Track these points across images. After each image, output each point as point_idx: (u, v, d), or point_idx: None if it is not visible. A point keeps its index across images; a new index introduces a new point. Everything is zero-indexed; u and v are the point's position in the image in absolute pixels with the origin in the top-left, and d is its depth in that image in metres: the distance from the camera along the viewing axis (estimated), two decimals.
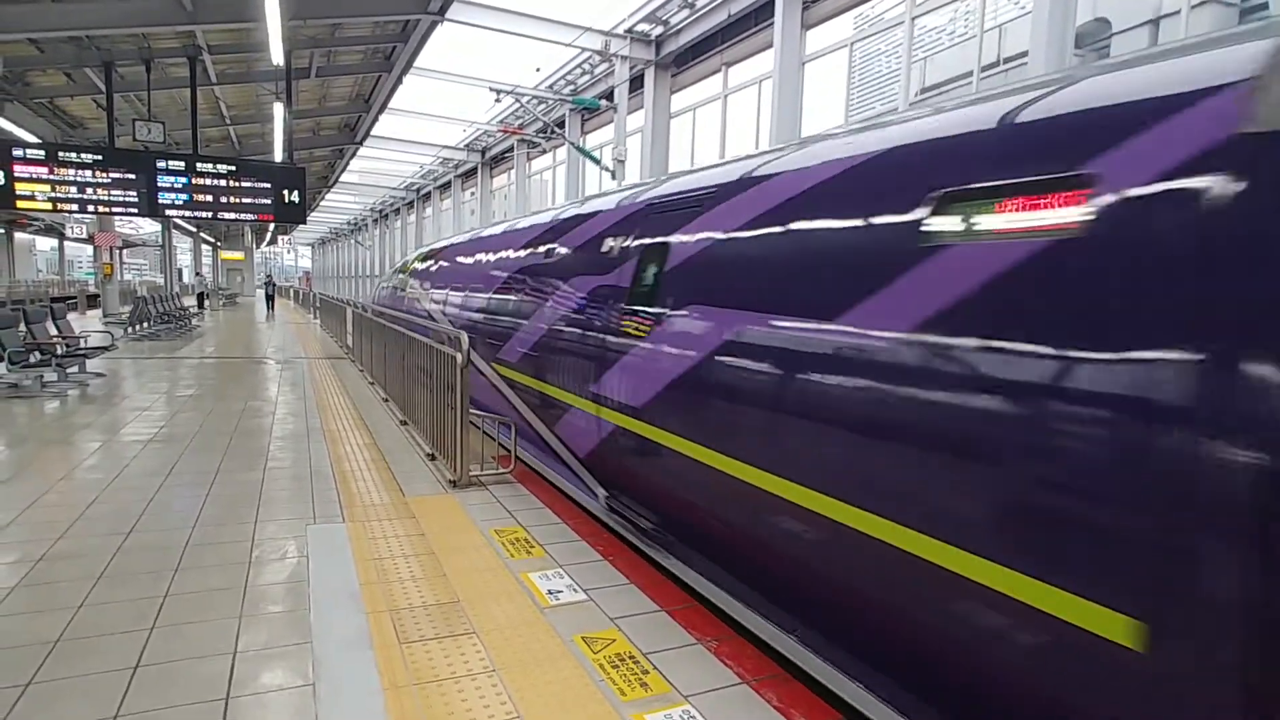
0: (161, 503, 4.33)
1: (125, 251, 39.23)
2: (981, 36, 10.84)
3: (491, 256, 8.06)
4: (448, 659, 2.61)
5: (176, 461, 5.30)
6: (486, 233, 9.43)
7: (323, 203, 38.71)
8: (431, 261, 11.46)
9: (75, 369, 9.26)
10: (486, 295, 7.67)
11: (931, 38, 12.46)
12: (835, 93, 13.58)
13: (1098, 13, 10.36)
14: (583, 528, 4.20)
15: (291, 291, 45.61)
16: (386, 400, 8.26)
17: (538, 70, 18.32)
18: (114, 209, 11.82)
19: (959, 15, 12.16)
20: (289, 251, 78.56)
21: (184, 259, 52.43)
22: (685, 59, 15.28)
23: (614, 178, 15.83)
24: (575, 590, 3.30)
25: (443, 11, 10.84)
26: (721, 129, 14.49)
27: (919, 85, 13.48)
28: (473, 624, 2.90)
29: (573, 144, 16.98)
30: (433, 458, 5.66)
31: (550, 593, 3.26)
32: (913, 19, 10.75)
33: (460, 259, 9.71)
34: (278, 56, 10.45)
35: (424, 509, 4.41)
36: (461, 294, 8.80)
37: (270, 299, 31.76)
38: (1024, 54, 10.89)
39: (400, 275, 13.89)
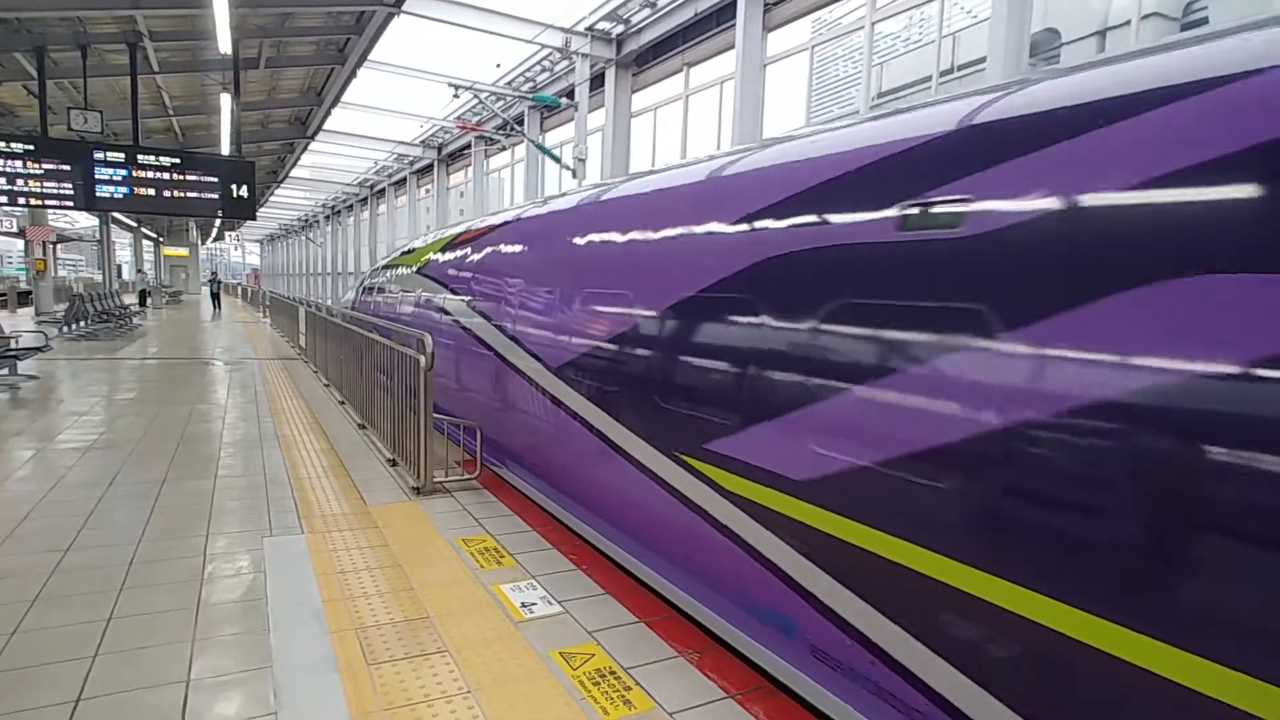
0: (103, 516, 4.07)
1: (60, 247, 37.38)
2: (940, 43, 11.04)
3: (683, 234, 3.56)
4: (419, 680, 2.49)
5: (119, 471, 5.00)
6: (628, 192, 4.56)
7: (272, 198, 37.55)
8: (466, 251, 6.93)
9: (6, 371, 8.73)
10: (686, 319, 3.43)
11: (886, 44, 12.66)
12: (796, 95, 13.72)
13: (1048, 23, 10.66)
14: (553, 535, 4.09)
15: (239, 289, 44.17)
16: (343, 403, 7.99)
17: (498, 66, 18.02)
18: (47, 202, 11.20)
19: (913, 22, 12.39)
20: (237, 248, 76.07)
21: (123, 255, 50.23)
22: (646, 58, 15.22)
23: (575, 176, 15.69)
24: (550, 602, 3.19)
25: (399, 4, 10.56)
26: (683, 129, 14.48)
27: (876, 90, 13.73)
28: (444, 641, 2.78)
29: (533, 142, 16.79)
30: (394, 463, 5.47)
31: (524, 605, 3.15)
32: (872, 24, 10.88)
33: (564, 241, 4.97)
34: (225, 45, 10.03)
35: (387, 518, 4.24)
36: (589, 308, 4.33)
37: (216, 297, 30.34)
38: (976, 61, 11.16)
39: (392, 273, 10.22)
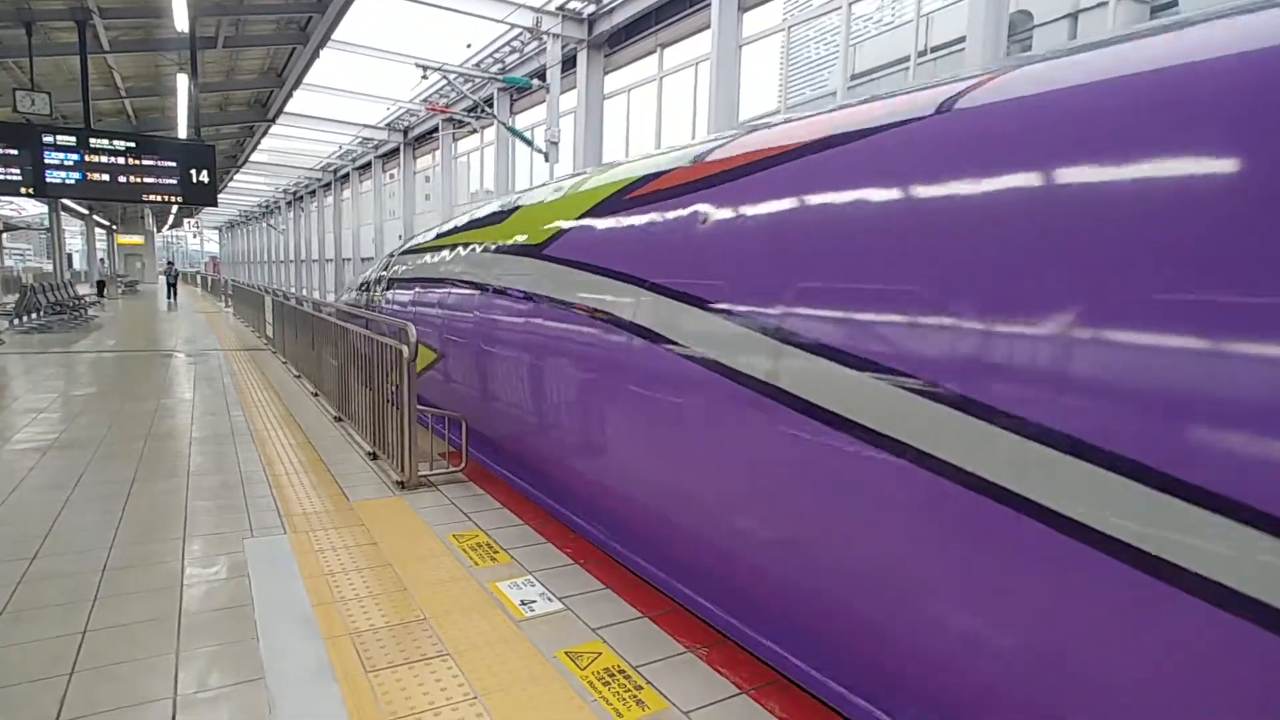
0: (69, 522, 3.86)
1: (5, 235, 35.84)
2: (918, 24, 11.01)
3: None
4: (423, 687, 2.38)
5: (83, 472, 4.77)
6: None
7: (232, 184, 36.48)
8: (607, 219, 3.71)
9: None
10: None
11: (859, 26, 12.59)
12: (769, 77, 13.62)
13: (1021, 5, 10.69)
14: (546, 529, 3.99)
15: (199, 278, 42.93)
16: (316, 395, 7.76)
17: (469, 46, 17.61)
18: None
19: (886, 4, 12.35)
20: (195, 235, 73.90)
21: (75, 243, 48.43)
22: (619, 39, 14.99)
23: (547, 160, 15.44)
24: (550, 599, 3.10)
25: None
26: (657, 111, 14.31)
27: (850, 72, 13.68)
28: (445, 644, 2.67)
29: (505, 125, 16.47)
30: (374, 457, 5.31)
31: (524, 603, 3.05)
32: (850, 3, 10.82)
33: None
34: (181, 23, 9.60)
35: (372, 514, 4.10)
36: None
37: (172, 286, 28.29)
38: (950, 43, 11.16)
39: (443, 258, 6.22)
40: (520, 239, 4.52)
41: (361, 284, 9.47)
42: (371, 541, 3.67)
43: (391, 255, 8.68)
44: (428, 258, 6.65)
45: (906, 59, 11.76)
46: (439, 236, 6.75)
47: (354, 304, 9.11)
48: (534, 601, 3.08)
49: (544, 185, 5.39)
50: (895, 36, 12.81)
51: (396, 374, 4.76)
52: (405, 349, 4.49)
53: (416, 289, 6.76)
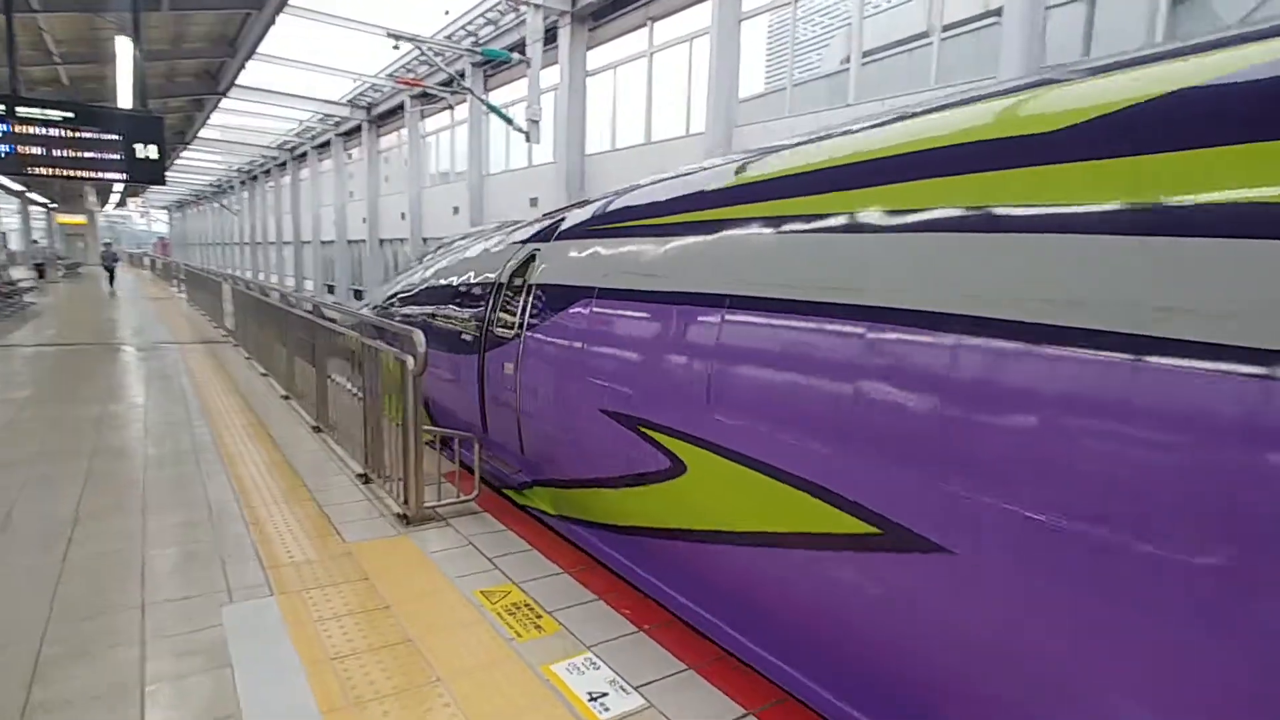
0: None
1: None
2: (929, 3, 10.44)
3: None
4: None
5: (11, 507, 3.93)
6: None
7: (181, 161, 34.51)
8: None
9: None
10: None
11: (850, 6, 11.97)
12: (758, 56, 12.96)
13: None
14: (591, 579, 3.33)
15: (147, 260, 40.75)
16: (288, 398, 6.93)
17: (446, 13, 16.57)
18: None
19: None
20: (142, 215, 70.48)
21: (11, 222, 45.51)
22: (604, 12, 14.16)
23: (528, 140, 14.55)
24: (625, 690, 2.45)
25: None
26: (647, 90, 13.54)
27: (842, 55, 13.10)
28: None
29: (484, 101, 15.50)
30: (366, 479, 4.57)
31: (592, 698, 2.40)
32: None
33: None
34: None
35: (376, 562, 3.38)
36: None
37: (110, 271, 23.11)
38: (960, 23, 10.65)
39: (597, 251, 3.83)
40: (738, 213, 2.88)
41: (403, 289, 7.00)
42: (383, 605, 2.96)
43: (429, 253, 7.22)
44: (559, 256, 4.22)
45: (912, 38, 11.23)
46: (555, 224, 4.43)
47: (380, 308, 7.11)
48: (605, 695, 2.42)
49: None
50: (894, 17, 12.29)
51: (392, 385, 4.05)
52: (410, 360, 3.76)
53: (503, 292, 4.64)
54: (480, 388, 4.81)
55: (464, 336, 5.11)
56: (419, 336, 3.72)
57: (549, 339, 4.00)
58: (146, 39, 12.64)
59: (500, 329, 4.57)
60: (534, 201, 17.17)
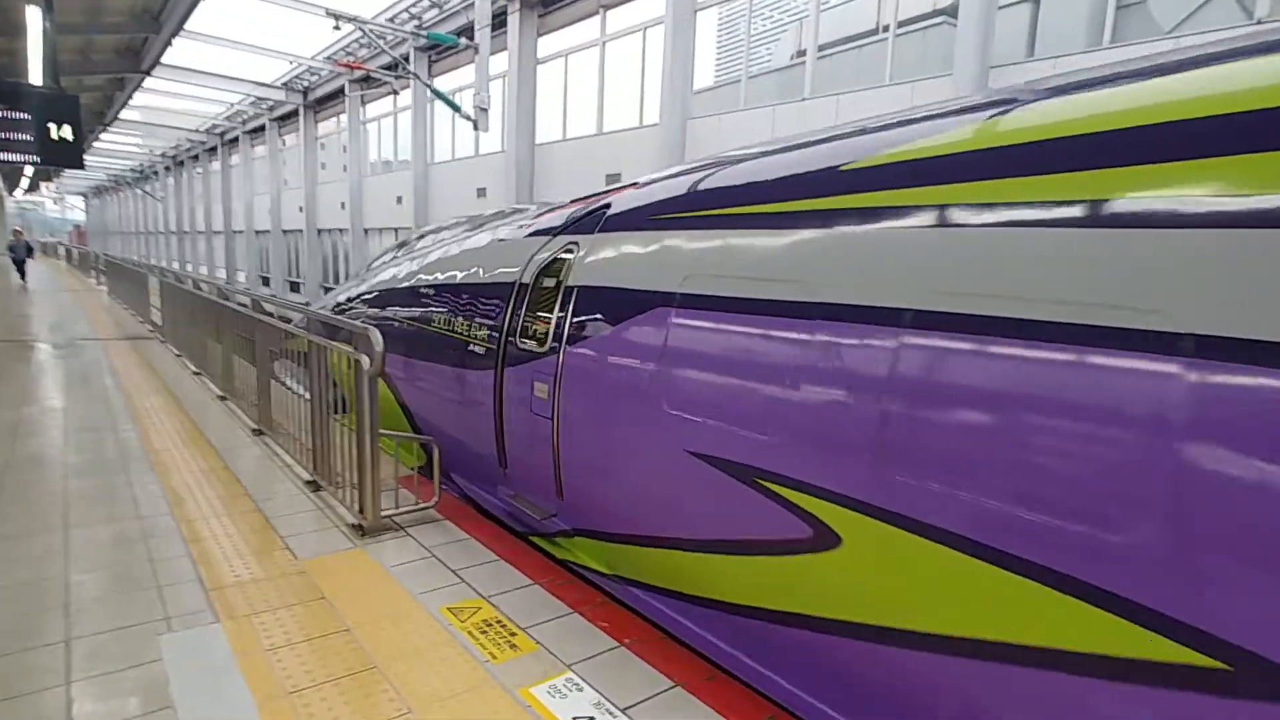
0: None
1: None
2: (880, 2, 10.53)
3: None
4: None
5: None
6: None
7: (100, 144, 32.51)
8: None
9: None
10: None
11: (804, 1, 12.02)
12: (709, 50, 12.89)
13: None
14: (565, 591, 3.16)
15: (61, 249, 38.32)
16: (224, 399, 6.51)
17: None
18: None
19: None
20: (55, 201, 66.25)
21: None
22: None
23: (476, 128, 14.15)
24: (611, 714, 2.30)
25: None
26: (600, 80, 13.31)
27: (792, 50, 13.16)
28: None
29: (429, 87, 15.00)
30: (316, 487, 4.29)
31: None
32: None
33: None
34: None
35: (332, 579, 3.14)
36: None
37: (20, 264, 20.06)
38: (910, 20, 10.78)
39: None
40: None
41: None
42: (343, 627, 2.74)
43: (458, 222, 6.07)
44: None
45: (861, 35, 11.32)
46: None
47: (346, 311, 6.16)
48: (590, 718, 2.27)
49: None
50: (845, 13, 12.39)
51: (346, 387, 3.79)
52: (365, 359, 3.51)
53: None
54: (496, 411, 3.92)
55: (471, 348, 4.22)
56: (376, 335, 3.47)
57: (604, 356, 3.17)
58: (60, 11, 11.75)
59: (526, 340, 3.72)
60: (481, 192, 16.74)
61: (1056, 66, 7.59)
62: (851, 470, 2.09)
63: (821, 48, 11.58)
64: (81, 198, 66.46)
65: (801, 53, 12.13)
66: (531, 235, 4.21)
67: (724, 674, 2.59)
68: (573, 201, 4.31)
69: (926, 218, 2.09)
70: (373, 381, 3.52)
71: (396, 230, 20.89)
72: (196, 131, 32.33)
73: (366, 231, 22.60)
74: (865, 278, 2.18)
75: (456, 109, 13.96)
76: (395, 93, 19.80)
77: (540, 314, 3.68)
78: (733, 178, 3.06)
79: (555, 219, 4.15)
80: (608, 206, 3.67)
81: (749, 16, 11.06)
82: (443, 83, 17.63)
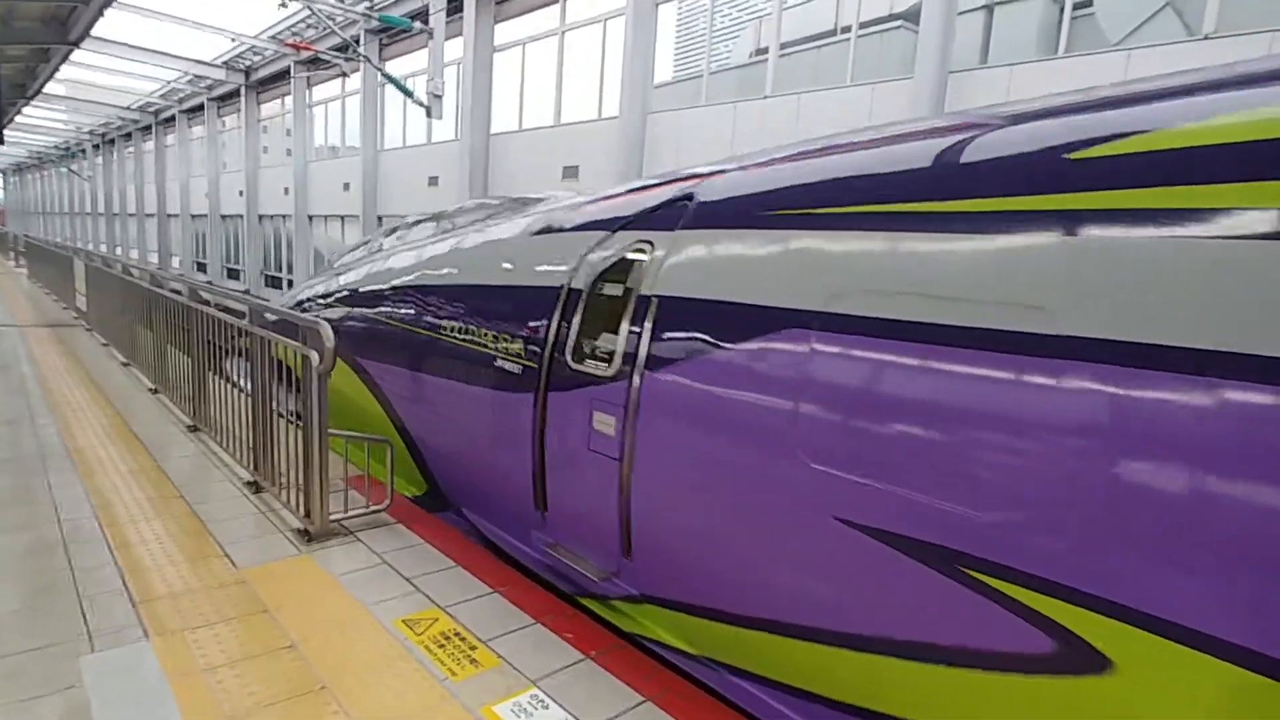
0: None
1: None
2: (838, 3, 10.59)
3: None
4: None
5: None
6: None
7: (21, 119, 30.50)
8: None
9: None
10: None
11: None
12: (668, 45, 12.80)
13: None
14: (527, 600, 3.02)
15: None
16: (156, 391, 6.12)
17: None
18: None
19: None
20: None
21: None
22: None
23: (430, 115, 13.76)
24: None
25: None
26: (558, 70, 13.08)
27: (751, 48, 13.17)
28: None
29: (381, 71, 14.52)
30: (257, 488, 4.03)
31: None
32: None
33: None
34: None
35: (275, 590, 2.93)
36: None
37: None
38: (871, 22, 10.89)
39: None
40: None
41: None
42: (287, 643, 2.54)
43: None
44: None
45: (820, 35, 11.39)
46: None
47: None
48: None
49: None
50: (806, 12, 12.45)
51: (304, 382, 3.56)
52: (314, 355, 3.30)
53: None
54: (535, 441, 3.21)
55: (500, 364, 3.47)
56: (326, 330, 3.26)
57: (708, 388, 2.48)
58: None
59: (582, 360, 3.03)
60: (433, 180, 16.33)
61: (1012, 74, 7.75)
62: (1126, 568, 1.52)
63: (785, 46, 11.63)
64: (0, 175, 62.55)
65: (761, 50, 12.15)
66: (578, 230, 3.46)
67: (696, 687, 2.50)
68: (630, 190, 3.53)
69: (1226, 225, 1.49)
70: (322, 379, 3.31)
71: (343, 218, 20.21)
72: (129, 109, 30.69)
73: (311, 218, 21.82)
74: (1137, 308, 1.56)
75: (409, 94, 13.55)
76: (345, 75, 19.12)
77: (604, 328, 2.99)
78: (896, 161, 2.34)
79: (609, 209, 3.41)
80: (690, 197, 2.91)
81: (711, 12, 11.01)
82: (395, 67, 17.09)
